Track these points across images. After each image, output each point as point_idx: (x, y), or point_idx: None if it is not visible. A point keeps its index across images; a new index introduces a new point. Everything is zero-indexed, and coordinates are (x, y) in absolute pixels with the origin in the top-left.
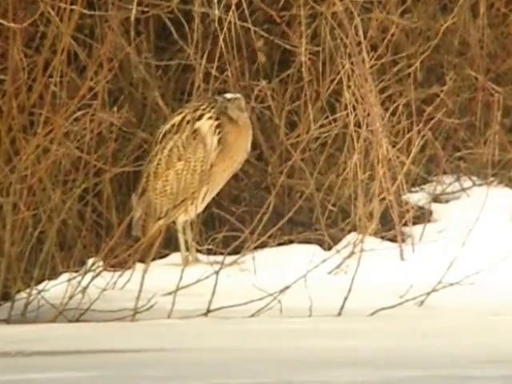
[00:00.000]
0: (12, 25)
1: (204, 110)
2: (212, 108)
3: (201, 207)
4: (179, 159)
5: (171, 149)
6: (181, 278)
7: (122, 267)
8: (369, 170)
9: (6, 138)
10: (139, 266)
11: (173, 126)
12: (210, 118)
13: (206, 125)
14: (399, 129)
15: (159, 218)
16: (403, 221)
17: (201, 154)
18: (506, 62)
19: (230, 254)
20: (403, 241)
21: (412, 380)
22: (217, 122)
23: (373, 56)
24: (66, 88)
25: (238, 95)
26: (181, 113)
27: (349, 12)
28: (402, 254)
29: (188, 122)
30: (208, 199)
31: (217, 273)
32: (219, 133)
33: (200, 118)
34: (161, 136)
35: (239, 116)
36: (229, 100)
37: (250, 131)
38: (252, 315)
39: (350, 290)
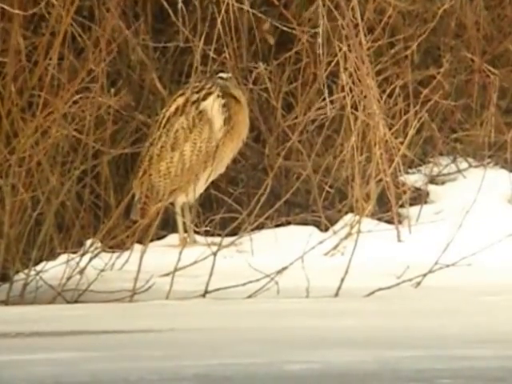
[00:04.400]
0: (14, 11)
1: (210, 89)
2: (217, 88)
3: (203, 188)
4: (185, 140)
5: (177, 130)
6: (179, 259)
7: (120, 248)
8: (366, 152)
9: (5, 120)
10: (137, 247)
11: (177, 108)
12: (217, 97)
13: (214, 105)
14: (396, 111)
15: (161, 200)
16: (400, 202)
17: (206, 134)
18: (502, 44)
19: (227, 235)
20: (400, 222)
21: (409, 360)
22: (223, 101)
23: (370, 38)
24: (65, 70)
25: (230, 74)
26: (182, 94)
27: None
28: (398, 235)
29: (193, 103)
30: (211, 179)
31: (214, 254)
32: (226, 112)
33: (205, 98)
34: (164, 120)
35: (240, 94)
36: (226, 79)
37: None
38: (249, 296)
39: (346, 271)
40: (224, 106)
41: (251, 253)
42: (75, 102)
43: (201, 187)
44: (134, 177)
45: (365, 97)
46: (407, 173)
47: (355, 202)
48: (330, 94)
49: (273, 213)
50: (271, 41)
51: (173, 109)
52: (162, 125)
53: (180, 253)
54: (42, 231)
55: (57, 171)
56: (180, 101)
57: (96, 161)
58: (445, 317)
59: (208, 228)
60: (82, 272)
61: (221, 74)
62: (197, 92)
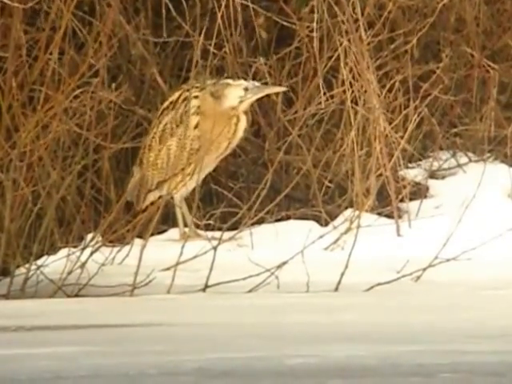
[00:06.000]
0: (15, 4)
1: (196, 88)
2: (202, 88)
3: (191, 184)
4: (172, 135)
5: (165, 124)
6: (181, 253)
7: (121, 242)
8: (366, 147)
9: (6, 114)
10: (138, 242)
11: (170, 102)
12: (195, 97)
13: (191, 104)
14: (396, 105)
15: (150, 190)
16: (400, 197)
17: (192, 132)
18: (501, 38)
19: (227, 229)
20: (400, 217)
21: (409, 355)
22: (198, 103)
23: (370, 33)
24: (66, 65)
25: (228, 81)
26: (180, 89)
27: None
28: (398, 229)
29: (183, 100)
30: (198, 177)
31: (215, 248)
32: (198, 114)
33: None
34: (159, 112)
35: (224, 101)
36: (214, 84)
37: (239, 120)
38: (249, 290)
39: (346, 266)
40: (198, 107)
41: (251, 247)
42: (76, 97)
43: (188, 183)
44: (136, 164)
45: (365, 91)
46: (407, 167)
47: (355, 196)
48: (330, 88)
49: (273, 207)
50: (264, 35)
51: (167, 102)
52: (157, 116)
53: (182, 247)
54: (43, 225)
55: (58, 166)
56: (175, 96)
57: (97, 155)
58: (445, 311)
59: (209, 222)
60: (82, 266)
61: (227, 80)
62: (188, 89)
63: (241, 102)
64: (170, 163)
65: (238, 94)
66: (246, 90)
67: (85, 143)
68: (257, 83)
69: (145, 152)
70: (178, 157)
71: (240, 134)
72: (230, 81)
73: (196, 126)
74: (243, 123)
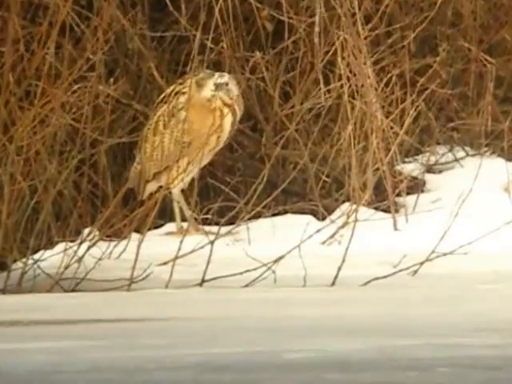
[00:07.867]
0: None
1: (187, 83)
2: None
3: (188, 178)
4: (165, 128)
5: (159, 117)
6: (179, 248)
7: (118, 237)
8: (363, 141)
9: (3, 109)
10: (135, 236)
11: (164, 96)
12: (184, 93)
13: (179, 99)
14: (393, 99)
15: (147, 181)
16: (397, 191)
17: (183, 126)
18: (498, 32)
19: (224, 224)
20: (397, 211)
21: (406, 349)
22: (187, 98)
23: (367, 27)
24: (63, 60)
25: (214, 73)
26: (175, 83)
27: None
28: (395, 224)
29: (176, 94)
30: (193, 170)
31: (212, 243)
32: (183, 110)
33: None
34: (155, 106)
35: (203, 91)
36: (203, 78)
37: (222, 113)
38: (247, 285)
39: (343, 260)
40: (187, 101)
41: (248, 242)
42: (73, 91)
43: (184, 177)
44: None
45: (362, 86)
46: (404, 162)
47: (352, 190)
48: (328, 82)
49: (270, 202)
50: (269, 27)
51: (162, 96)
52: (153, 110)
53: (181, 242)
54: (40, 220)
55: (55, 160)
56: (170, 89)
57: (94, 150)
58: (442, 305)
59: (208, 216)
60: (79, 261)
61: (218, 74)
62: (180, 83)
63: (213, 96)
64: (164, 155)
65: (211, 88)
66: (216, 86)
67: (82, 137)
68: (226, 81)
69: (142, 143)
70: (172, 149)
71: (227, 127)
72: (216, 73)
73: (185, 120)
74: (229, 117)
